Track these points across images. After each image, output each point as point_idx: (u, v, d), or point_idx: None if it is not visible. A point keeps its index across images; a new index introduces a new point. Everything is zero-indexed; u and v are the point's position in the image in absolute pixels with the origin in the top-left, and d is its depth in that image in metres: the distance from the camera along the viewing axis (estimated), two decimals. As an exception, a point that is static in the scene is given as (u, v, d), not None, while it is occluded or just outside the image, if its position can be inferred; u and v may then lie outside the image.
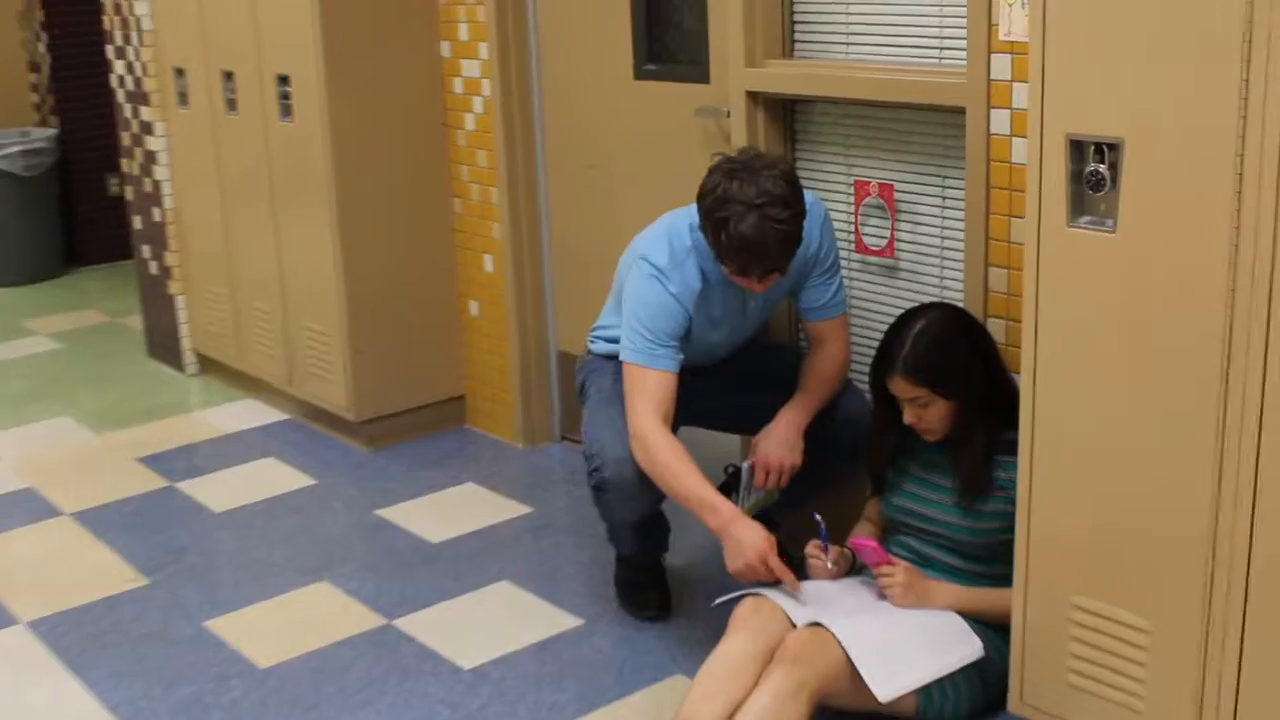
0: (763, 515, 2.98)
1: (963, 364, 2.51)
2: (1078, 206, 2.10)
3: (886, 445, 2.66)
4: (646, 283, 2.73)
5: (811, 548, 2.64)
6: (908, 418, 2.55)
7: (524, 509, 3.72)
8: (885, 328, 2.65)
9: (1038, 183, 2.14)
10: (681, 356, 2.74)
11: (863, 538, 2.60)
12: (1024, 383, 2.25)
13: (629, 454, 2.73)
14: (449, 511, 3.72)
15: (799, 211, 2.59)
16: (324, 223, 4.02)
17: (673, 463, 2.65)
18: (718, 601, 2.65)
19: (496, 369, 4.17)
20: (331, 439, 4.30)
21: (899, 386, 2.53)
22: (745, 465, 2.84)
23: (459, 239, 4.18)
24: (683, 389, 2.78)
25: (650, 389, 2.68)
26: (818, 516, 2.63)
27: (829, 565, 2.61)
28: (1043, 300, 2.18)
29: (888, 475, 2.70)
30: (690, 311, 2.73)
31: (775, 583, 2.60)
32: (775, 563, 2.56)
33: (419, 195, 4.09)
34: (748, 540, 2.57)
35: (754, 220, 2.52)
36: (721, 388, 3.01)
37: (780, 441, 2.83)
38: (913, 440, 2.64)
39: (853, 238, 3.09)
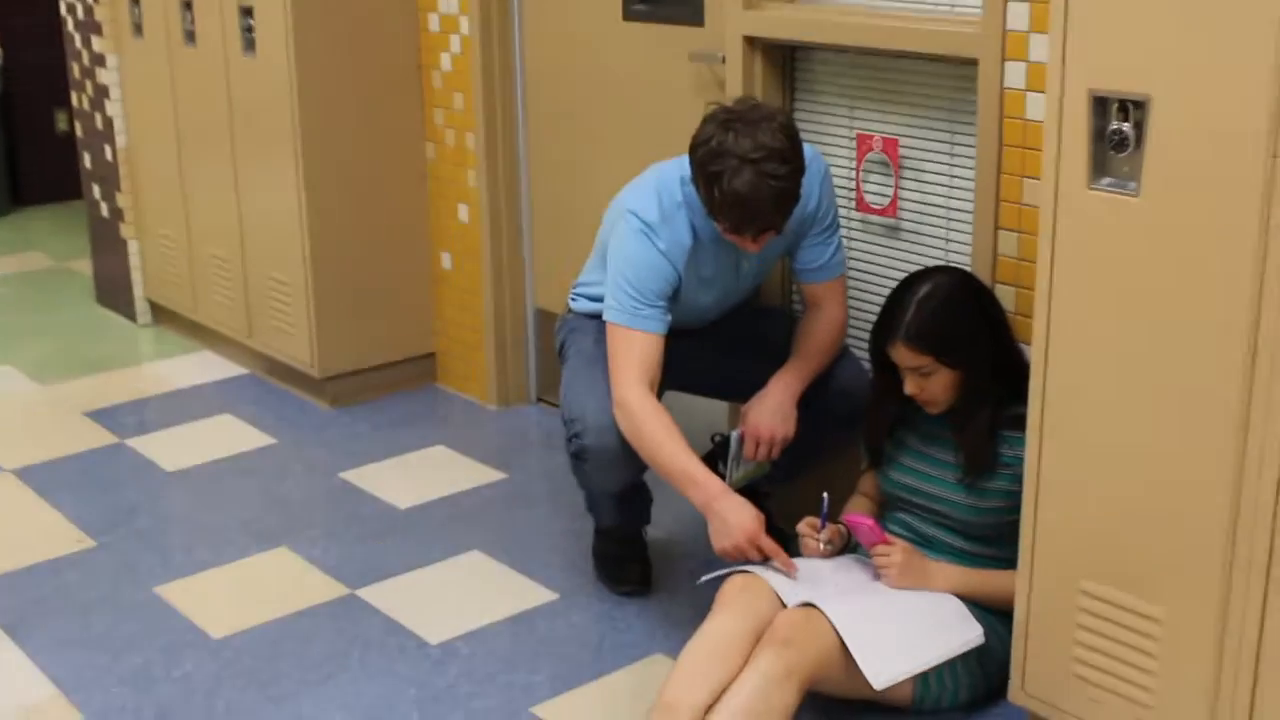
0: (750, 488, 2.99)
1: (969, 332, 2.51)
2: (1099, 167, 2.08)
3: (885, 416, 2.66)
4: (633, 238, 2.71)
5: (805, 525, 2.64)
6: (909, 388, 2.54)
7: (497, 474, 3.72)
8: (886, 292, 2.66)
9: (1056, 141, 2.11)
10: (669, 318, 2.73)
11: (858, 515, 2.60)
12: (1035, 354, 2.23)
13: (611, 420, 2.72)
14: (417, 475, 3.71)
15: (798, 167, 2.57)
16: (287, 165, 4.00)
17: (658, 432, 2.64)
18: (704, 579, 2.64)
19: (469, 325, 4.17)
20: (293, 396, 4.30)
21: (901, 354, 2.52)
22: (734, 435, 2.83)
23: (432, 187, 4.16)
24: (669, 352, 2.77)
25: (635, 351, 2.67)
26: (825, 495, 2.62)
27: (822, 545, 2.60)
28: (1057, 267, 2.16)
29: (885, 448, 2.70)
30: (679, 270, 2.72)
31: (765, 560, 2.60)
32: (767, 543, 2.56)
33: (390, 139, 4.08)
34: (735, 519, 2.56)
35: (749, 175, 2.51)
36: (710, 352, 3.00)
37: (772, 410, 2.82)
38: (913, 412, 2.64)
39: (854, 195, 3.07)
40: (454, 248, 4.15)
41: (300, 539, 3.39)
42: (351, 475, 3.74)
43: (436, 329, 4.29)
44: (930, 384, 2.53)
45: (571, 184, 3.83)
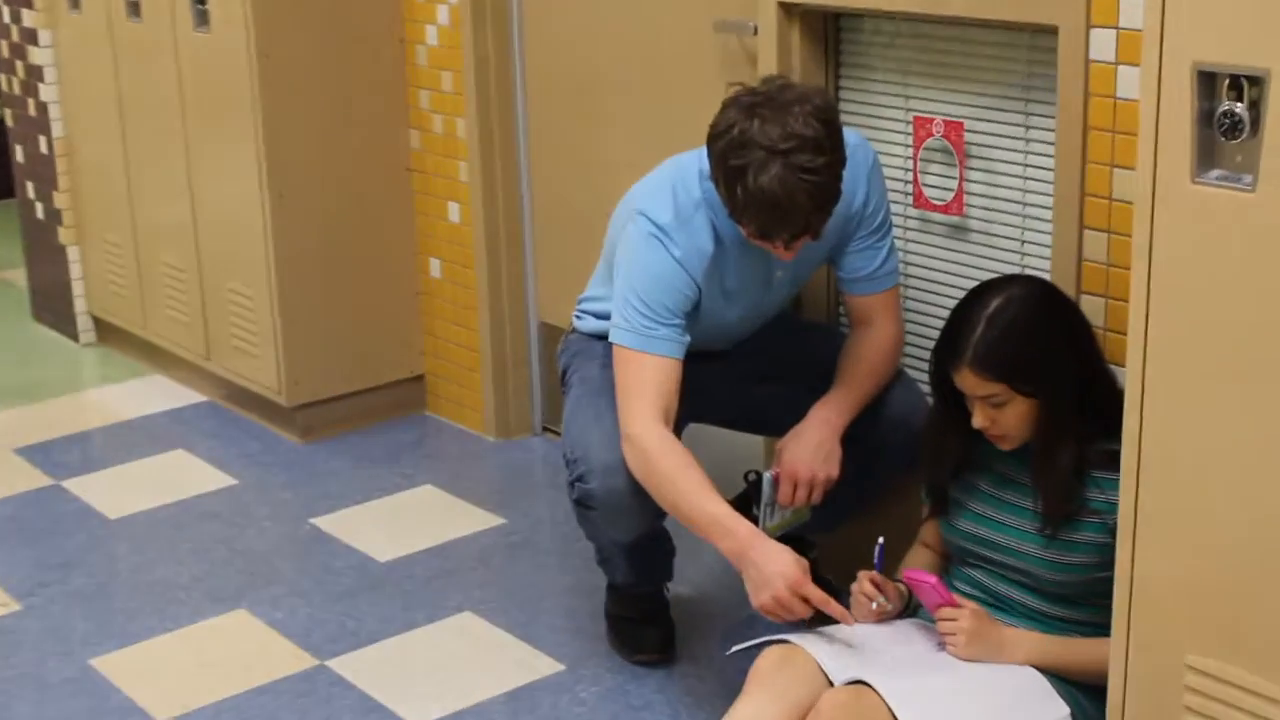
0: (790, 537, 2.97)
1: (1049, 354, 2.47)
2: (1206, 157, 2.02)
3: (949, 454, 2.62)
4: (644, 244, 2.70)
5: (863, 581, 2.59)
6: (977, 421, 2.50)
7: (494, 520, 3.72)
8: (949, 305, 2.62)
9: (1154, 125, 2.05)
10: (687, 339, 2.72)
11: (919, 571, 2.56)
12: (1130, 380, 2.18)
13: (620, 460, 2.71)
14: (401, 522, 3.73)
15: (837, 158, 2.57)
16: (248, 159, 4.01)
17: (676, 473, 2.63)
18: (734, 649, 2.61)
19: (463, 344, 4.18)
20: (258, 427, 4.32)
21: (968, 381, 2.48)
22: (767, 476, 2.83)
23: (417, 182, 4.18)
24: (688, 378, 2.77)
25: (647, 379, 2.67)
26: (880, 540, 2.59)
27: (881, 605, 2.56)
28: (1157, 275, 2.10)
29: (950, 492, 2.66)
30: (699, 281, 2.72)
31: (809, 623, 2.59)
32: (813, 591, 2.55)
33: (367, 126, 4.11)
34: (775, 568, 2.55)
35: (778, 170, 2.50)
36: (738, 377, 3.01)
37: (812, 447, 2.82)
38: (983, 448, 2.60)
39: (910, 189, 3.06)
40: (444, 253, 4.17)
41: (262, 599, 3.39)
42: (324, 522, 3.75)
43: (425, 348, 4.32)
44: (1003, 416, 2.48)
45: (581, 178, 3.83)
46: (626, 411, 2.68)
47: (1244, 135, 1.99)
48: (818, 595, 2.54)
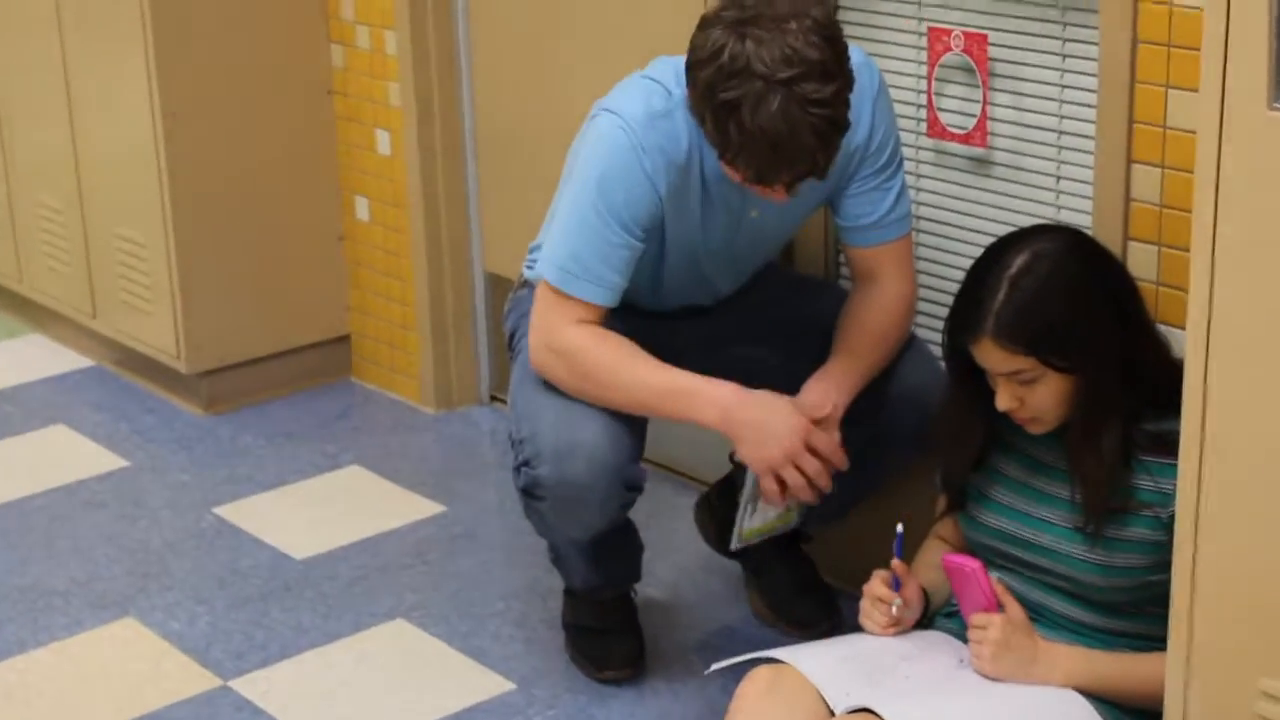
0: (786, 536, 3.03)
1: (1087, 320, 2.44)
2: None
3: (970, 439, 2.60)
4: (605, 140, 2.71)
5: (877, 583, 2.57)
6: (1002, 402, 2.48)
7: (433, 507, 3.72)
8: (971, 255, 2.62)
9: (1222, 38, 2.00)
10: (623, 281, 2.75)
11: (961, 555, 2.54)
12: (1190, 347, 2.14)
13: (577, 442, 2.74)
14: (322, 511, 3.73)
15: (845, 84, 2.56)
16: (138, 78, 3.98)
17: (618, 359, 2.72)
18: (715, 667, 2.61)
19: (395, 298, 4.18)
20: (153, 398, 4.31)
21: (990, 356, 2.45)
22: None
23: (340, 106, 4.18)
24: (662, 340, 2.82)
25: (571, 313, 2.75)
26: (900, 527, 2.58)
27: (899, 610, 2.54)
28: (1224, 218, 2.06)
29: (971, 481, 2.64)
30: (663, 196, 2.72)
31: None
32: (822, 439, 2.70)
33: (279, 40, 4.09)
34: (777, 417, 2.68)
35: (780, 103, 2.49)
36: (721, 339, 3.00)
37: None
38: (1010, 430, 2.57)
39: (923, 117, 3.06)
40: (372, 191, 4.16)
41: (155, 606, 3.36)
42: (230, 511, 3.74)
43: (350, 304, 4.33)
44: (1033, 395, 2.45)
45: (534, 101, 3.83)
46: (548, 329, 2.74)
47: (1334, 52, 1.97)
48: (826, 442, 2.69)
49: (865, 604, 2.58)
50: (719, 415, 2.69)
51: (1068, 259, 2.46)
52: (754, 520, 2.84)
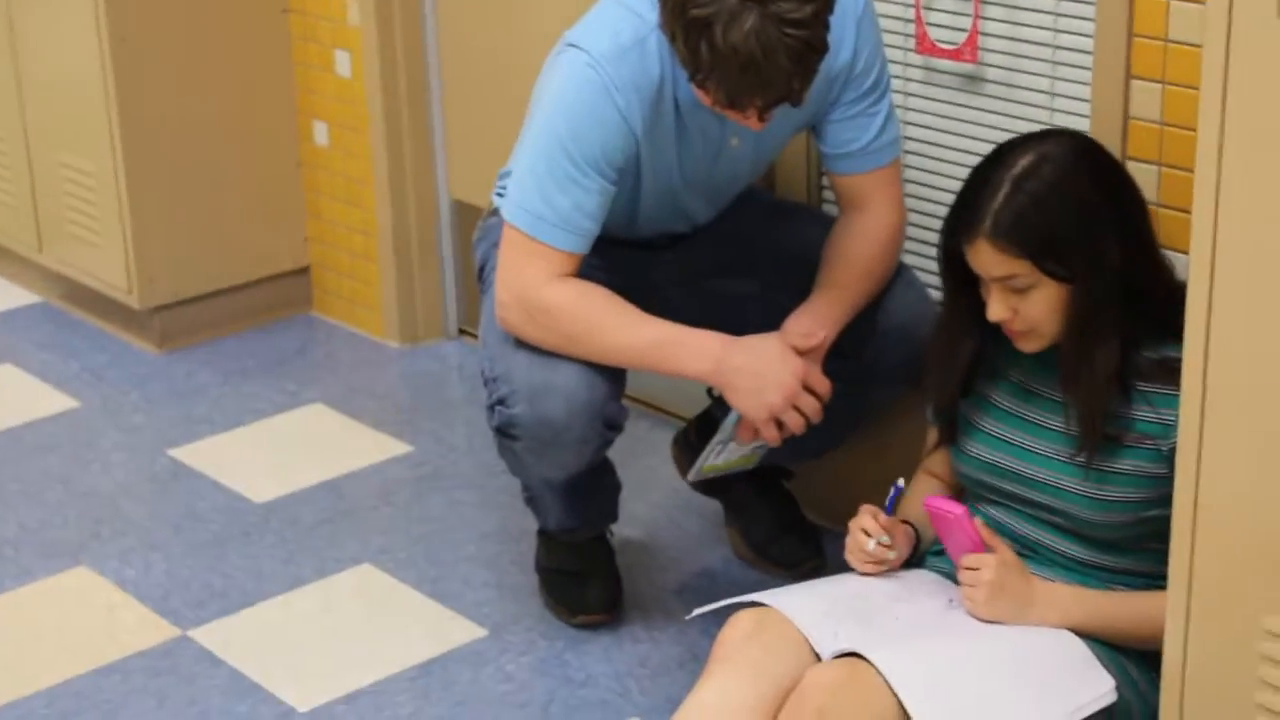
0: (762, 468, 3.05)
1: (1089, 226, 2.43)
2: None
3: (960, 361, 2.60)
4: (573, 77, 2.69)
5: (865, 517, 2.57)
6: (994, 312, 2.47)
7: (399, 447, 3.73)
8: (962, 177, 2.60)
9: None
10: (596, 226, 2.73)
11: (943, 499, 2.54)
12: (1194, 271, 2.12)
13: (553, 380, 2.75)
14: (283, 452, 3.74)
15: (823, 4, 2.54)
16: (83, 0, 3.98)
17: (602, 313, 2.72)
18: (697, 612, 2.62)
19: (357, 227, 4.19)
20: (104, 335, 4.32)
21: (984, 257, 2.44)
22: (734, 412, 2.83)
23: (296, 25, 4.18)
24: (635, 273, 2.85)
25: (545, 264, 2.74)
26: (899, 482, 2.62)
27: (882, 547, 2.54)
28: (1231, 137, 2.03)
29: (962, 411, 2.64)
30: (637, 132, 2.71)
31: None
32: (819, 380, 2.74)
33: None
34: (772, 363, 2.71)
35: (754, 22, 2.48)
36: (700, 271, 3.02)
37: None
38: (1003, 354, 2.58)
39: (911, 31, 3.04)
40: (331, 115, 4.15)
41: (109, 553, 3.37)
42: (186, 453, 3.74)
43: (309, 234, 4.33)
44: (1027, 305, 2.45)
45: (502, 19, 3.80)
46: (521, 281, 2.72)
47: (1348, -45, 1.94)
48: (823, 382, 2.73)
49: (851, 540, 2.58)
50: (710, 366, 2.70)
51: (1076, 164, 2.46)
52: (719, 458, 2.86)
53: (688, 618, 2.74)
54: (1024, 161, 2.44)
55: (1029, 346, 2.49)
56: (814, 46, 2.52)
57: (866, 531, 2.56)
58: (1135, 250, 2.47)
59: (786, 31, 2.47)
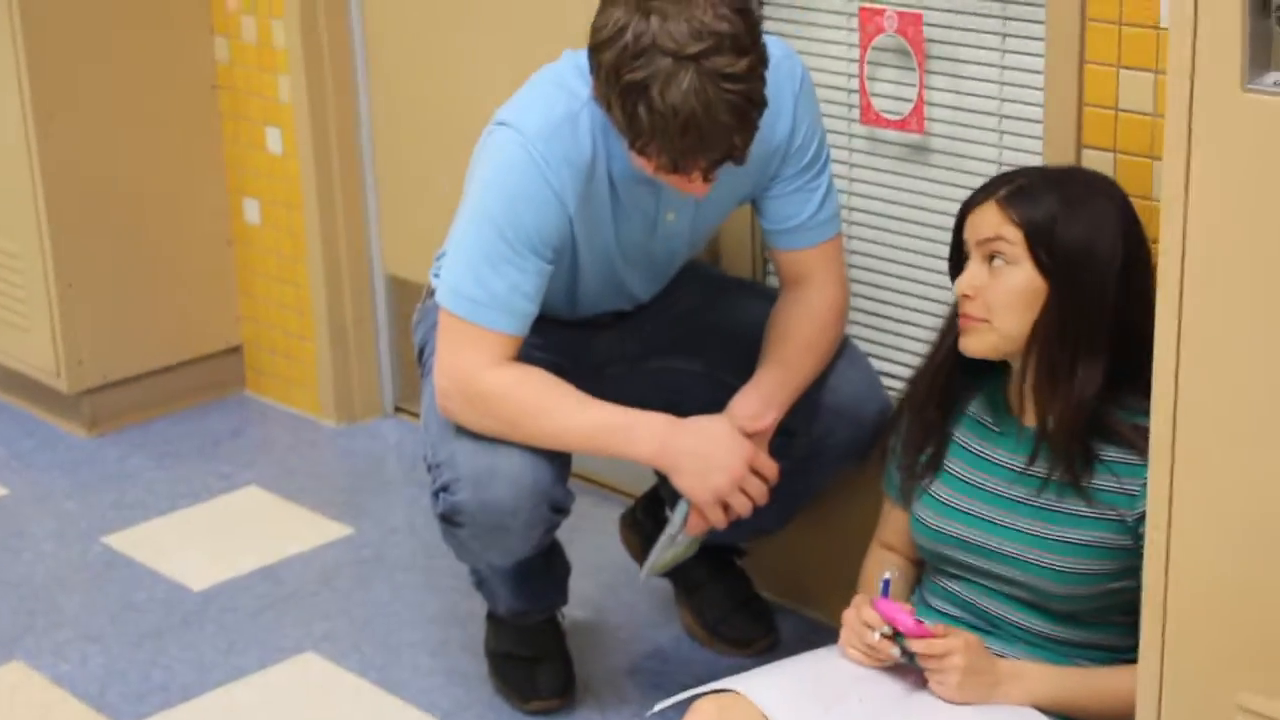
0: (716, 547, 3.05)
1: (1103, 248, 2.44)
2: (1260, 56, 1.95)
3: (943, 366, 2.58)
4: (504, 154, 2.68)
5: (868, 611, 2.50)
6: (965, 280, 2.47)
7: (339, 529, 3.72)
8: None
9: (1191, 13, 1.98)
10: (534, 308, 2.71)
11: (887, 602, 2.50)
12: (1160, 344, 2.12)
13: (499, 462, 2.72)
14: (220, 537, 3.72)
15: (759, 58, 2.55)
16: (7, 75, 3.97)
17: (541, 395, 2.69)
18: (659, 708, 2.62)
19: (290, 305, 4.20)
20: (31, 420, 4.31)
21: (985, 216, 2.47)
22: (682, 503, 2.80)
23: (225, 102, 4.19)
24: (577, 351, 2.87)
25: (485, 347, 2.72)
26: (888, 574, 2.57)
27: (890, 645, 2.47)
28: (1195, 210, 2.03)
29: (920, 483, 2.63)
30: (571, 213, 2.69)
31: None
32: (765, 462, 2.72)
33: (159, 31, 4.08)
34: (719, 445, 2.69)
35: (691, 80, 2.47)
36: (643, 350, 3.01)
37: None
38: (960, 422, 2.59)
39: (855, 102, 3.05)
40: (263, 192, 4.17)
41: (42, 646, 3.34)
42: (120, 540, 3.71)
43: (242, 312, 4.33)
44: (994, 285, 2.45)
45: (436, 94, 3.84)
46: (462, 372, 2.69)
47: (1312, 26, 1.96)
48: (769, 465, 2.72)
49: (848, 632, 2.51)
50: (655, 448, 2.69)
51: (1106, 190, 2.48)
52: (667, 551, 2.84)
53: (648, 715, 2.73)
54: (1059, 170, 2.52)
55: (974, 341, 2.48)
56: (753, 100, 2.52)
57: (869, 624, 2.50)
58: (1133, 298, 2.44)
59: (725, 87, 2.47)
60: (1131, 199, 2.60)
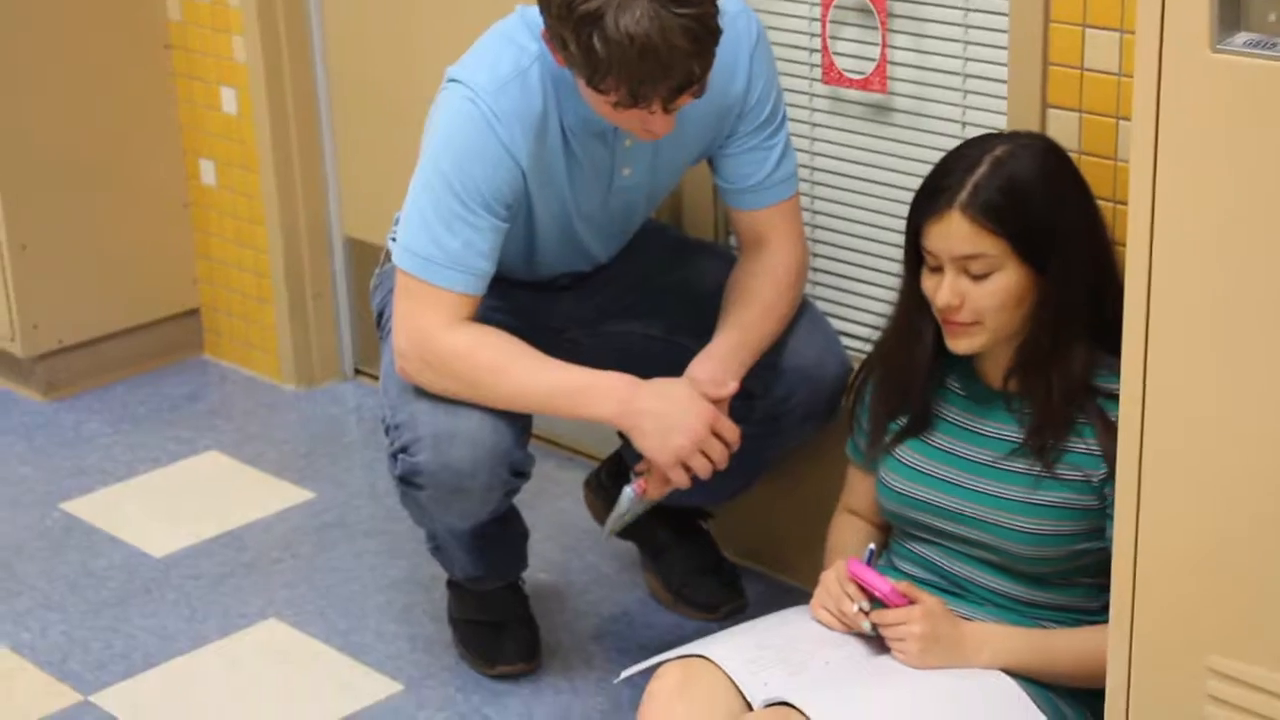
0: (681, 509, 3.07)
1: (1064, 215, 2.43)
2: (1230, 16, 1.94)
3: (919, 357, 2.54)
4: (455, 112, 2.67)
5: (846, 581, 2.50)
6: (943, 295, 2.43)
7: (300, 494, 3.72)
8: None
9: None
10: (491, 265, 2.70)
11: (861, 564, 2.51)
12: (1130, 308, 2.11)
13: (459, 424, 2.72)
14: (180, 502, 3.72)
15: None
16: None
17: (503, 356, 2.69)
18: (625, 674, 2.60)
19: (248, 268, 4.20)
20: None
21: (953, 230, 2.40)
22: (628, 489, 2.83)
23: (179, 62, 4.19)
24: (534, 315, 2.86)
25: (442, 307, 2.70)
26: (871, 547, 2.58)
27: (863, 620, 2.48)
28: (1164, 170, 2.02)
29: (886, 447, 2.62)
30: (524, 168, 2.68)
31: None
32: (726, 426, 2.69)
33: None
34: (680, 406, 2.67)
35: (644, 7, 2.47)
36: (600, 314, 3.01)
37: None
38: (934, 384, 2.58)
39: (817, 61, 3.04)
40: (218, 153, 4.16)
41: (3, 615, 3.34)
42: (78, 506, 3.71)
43: (199, 275, 4.33)
44: (979, 292, 2.41)
45: (393, 51, 3.82)
46: (419, 333, 2.68)
47: (1283, -13, 1.95)
48: (731, 429, 2.69)
49: (824, 594, 2.52)
50: (616, 409, 2.68)
51: (1050, 156, 2.46)
52: (628, 512, 2.84)
53: (616, 681, 2.72)
54: (1002, 146, 2.44)
55: (965, 343, 2.46)
56: (708, 26, 2.51)
57: (850, 596, 2.49)
58: (1098, 251, 2.47)
59: (678, 12, 2.47)
60: (1096, 159, 2.61)
